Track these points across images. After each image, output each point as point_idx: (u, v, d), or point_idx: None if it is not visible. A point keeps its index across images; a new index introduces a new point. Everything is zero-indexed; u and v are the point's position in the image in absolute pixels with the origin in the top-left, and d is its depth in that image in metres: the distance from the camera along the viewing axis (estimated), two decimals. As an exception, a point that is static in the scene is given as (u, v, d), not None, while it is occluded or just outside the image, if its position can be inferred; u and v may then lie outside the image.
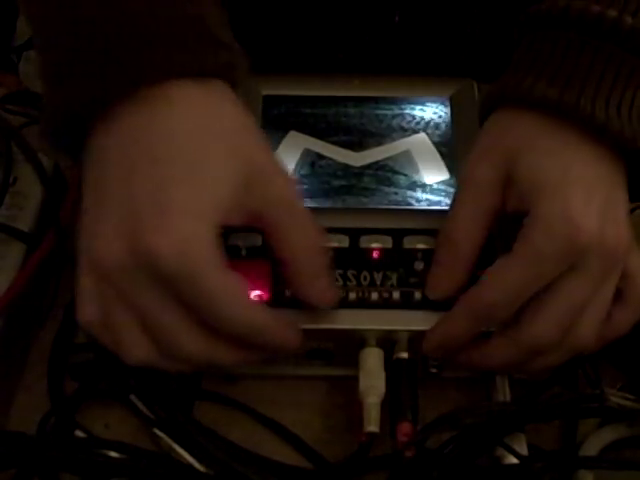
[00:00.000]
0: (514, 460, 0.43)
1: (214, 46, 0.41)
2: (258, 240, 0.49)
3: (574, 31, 0.43)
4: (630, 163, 0.43)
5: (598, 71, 0.42)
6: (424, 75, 0.59)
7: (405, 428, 0.44)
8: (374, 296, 0.47)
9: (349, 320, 0.46)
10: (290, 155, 0.54)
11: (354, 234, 0.49)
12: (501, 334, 0.43)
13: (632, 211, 0.52)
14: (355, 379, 0.45)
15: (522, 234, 0.41)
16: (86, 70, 0.39)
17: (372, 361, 0.46)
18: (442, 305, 0.46)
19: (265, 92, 0.58)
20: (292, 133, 0.55)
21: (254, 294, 0.46)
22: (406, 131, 0.56)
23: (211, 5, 0.42)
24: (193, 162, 0.39)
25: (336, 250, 0.48)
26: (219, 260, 0.39)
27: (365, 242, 0.49)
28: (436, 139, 0.55)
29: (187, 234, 0.38)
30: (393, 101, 0.57)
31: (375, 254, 0.48)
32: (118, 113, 0.39)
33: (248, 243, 0.48)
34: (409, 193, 0.52)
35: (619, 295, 0.44)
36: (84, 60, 0.39)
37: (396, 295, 0.47)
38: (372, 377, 0.45)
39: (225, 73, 0.41)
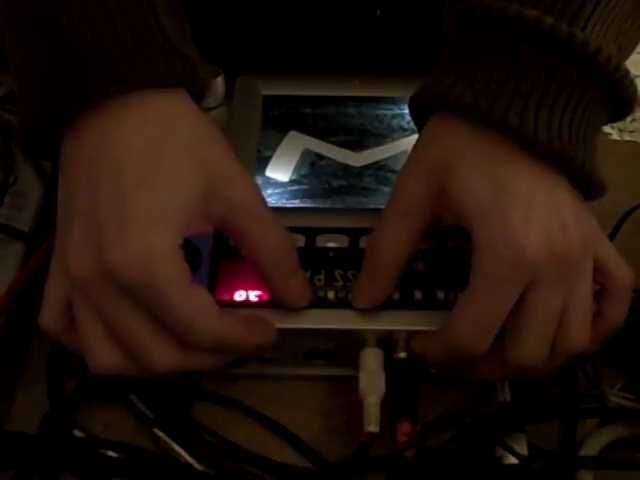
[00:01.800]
0: (514, 460, 0.43)
1: (174, 57, 0.41)
2: (258, 240, 0.49)
3: (495, 31, 0.41)
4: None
5: (517, 74, 0.40)
6: (424, 75, 0.59)
7: (405, 428, 0.44)
8: (374, 296, 0.47)
9: (349, 320, 0.46)
10: (290, 155, 0.54)
11: (354, 234, 0.49)
12: (488, 357, 0.42)
13: (632, 211, 0.52)
14: (355, 379, 0.45)
15: (472, 263, 0.41)
16: (49, 82, 0.40)
17: (372, 361, 0.46)
18: (442, 305, 0.46)
19: (265, 92, 0.58)
20: (292, 133, 0.55)
21: (254, 294, 0.46)
22: (406, 131, 0.56)
23: (172, 17, 0.42)
24: (152, 170, 0.39)
25: (336, 250, 0.48)
26: (181, 272, 0.39)
27: (364, 242, 0.48)
28: (436, 139, 0.55)
29: (146, 247, 0.38)
30: (393, 101, 0.57)
31: (375, 254, 0.48)
32: (82, 125, 0.40)
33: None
34: (409, 193, 0.52)
35: (602, 290, 0.44)
36: (47, 72, 0.40)
37: (396, 295, 0.47)
38: (372, 377, 0.45)
39: (186, 84, 0.42)
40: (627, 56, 0.44)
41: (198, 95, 0.43)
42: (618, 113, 0.43)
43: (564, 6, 0.40)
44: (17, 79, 0.42)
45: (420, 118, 0.45)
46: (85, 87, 0.39)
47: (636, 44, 0.44)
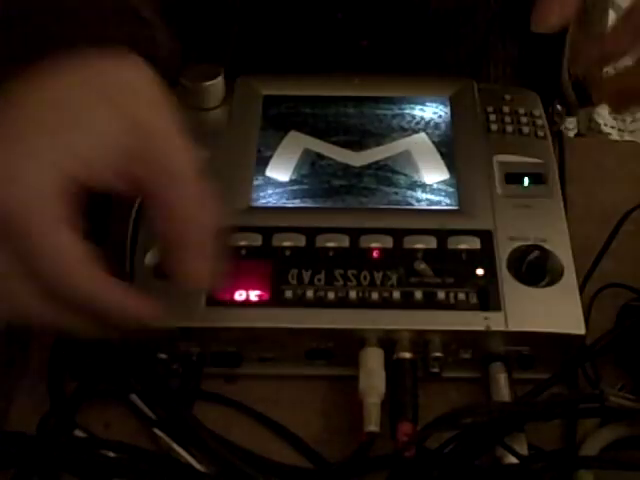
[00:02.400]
0: (514, 460, 0.43)
1: (132, 19, 0.40)
2: (258, 240, 0.49)
3: None
4: None
5: None
6: (424, 75, 0.59)
7: (405, 428, 0.44)
8: (374, 296, 0.47)
9: (349, 320, 0.46)
10: (290, 155, 0.54)
11: (354, 234, 0.49)
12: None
13: (632, 211, 0.52)
14: (355, 379, 0.45)
15: None
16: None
17: (372, 361, 0.46)
18: (442, 305, 0.46)
19: (265, 92, 0.58)
20: (292, 133, 0.55)
21: (254, 294, 0.46)
22: (406, 131, 0.56)
23: None
24: (69, 113, 0.37)
25: (336, 250, 0.48)
26: (59, 219, 0.36)
27: (365, 242, 0.49)
28: (436, 139, 0.55)
29: (34, 182, 0.35)
30: (393, 101, 0.57)
31: (375, 254, 0.48)
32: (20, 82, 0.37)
33: (248, 243, 0.49)
34: (409, 193, 0.52)
35: None
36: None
37: (396, 295, 0.47)
38: (372, 377, 0.45)
39: (142, 46, 0.40)
40: None
41: (153, 59, 0.40)
42: None
43: None
44: None
45: None
46: (37, 41, 0.38)
47: None
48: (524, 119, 0.56)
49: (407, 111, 0.57)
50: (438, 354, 0.46)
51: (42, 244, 0.36)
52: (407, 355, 0.46)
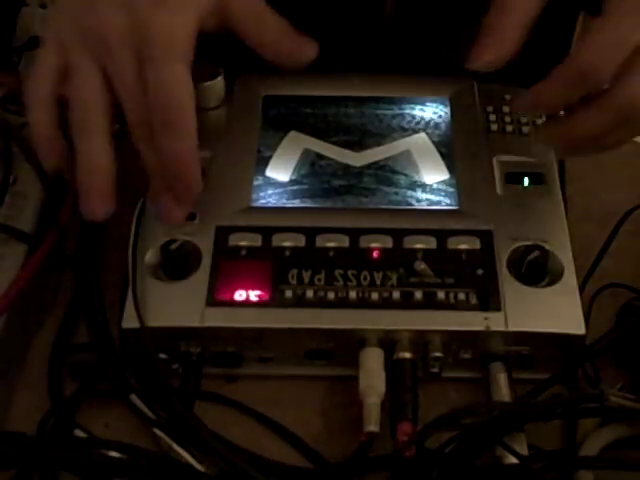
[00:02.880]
0: (514, 460, 0.43)
1: None
2: (258, 240, 0.49)
3: None
4: None
5: None
6: (424, 75, 0.59)
7: (405, 428, 0.44)
8: (374, 296, 0.47)
9: (349, 320, 0.46)
10: (290, 155, 0.54)
11: (354, 234, 0.49)
12: (598, 98, 0.42)
13: (632, 211, 0.52)
14: (355, 379, 0.46)
15: None
16: None
17: (372, 361, 0.46)
18: (442, 305, 0.46)
19: (265, 92, 0.58)
20: (292, 133, 0.55)
21: (254, 294, 0.46)
22: (406, 131, 0.56)
23: None
24: None
25: (336, 250, 0.48)
26: (191, 52, 0.43)
27: (365, 242, 0.49)
28: (436, 139, 0.55)
29: (174, 23, 0.42)
30: (393, 101, 0.57)
31: (375, 254, 0.48)
32: None
33: (248, 243, 0.49)
34: (409, 193, 0.52)
35: None
36: None
37: (396, 295, 0.47)
38: (372, 377, 0.45)
39: None
40: None
41: None
42: None
43: None
44: None
45: None
46: None
47: None
48: (524, 119, 0.56)
49: (407, 111, 0.57)
50: (438, 354, 0.46)
51: (171, 70, 0.42)
52: (407, 355, 0.46)
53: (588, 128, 0.43)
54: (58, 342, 0.50)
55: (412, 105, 0.57)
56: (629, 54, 0.40)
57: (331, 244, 0.48)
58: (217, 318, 0.46)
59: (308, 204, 0.52)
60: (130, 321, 0.46)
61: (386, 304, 0.46)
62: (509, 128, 0.55)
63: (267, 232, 0.49)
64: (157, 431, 0.45)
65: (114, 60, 0.43)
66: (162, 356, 0.48)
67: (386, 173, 0.53)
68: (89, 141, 0.44)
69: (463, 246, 0.48)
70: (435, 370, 0.47)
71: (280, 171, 0.53)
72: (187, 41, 0.43)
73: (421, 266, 0.47)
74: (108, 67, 0.43)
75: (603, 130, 0.43)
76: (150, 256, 0.49)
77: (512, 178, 0.52)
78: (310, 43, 0.46)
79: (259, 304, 0.46)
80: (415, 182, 0.53)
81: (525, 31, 0.42)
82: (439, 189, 0.52)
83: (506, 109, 0.56)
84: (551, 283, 0.48)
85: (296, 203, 0.52)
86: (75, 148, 0.44)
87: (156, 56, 0.42)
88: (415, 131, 0.56)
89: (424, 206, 0.51)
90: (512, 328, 0.46)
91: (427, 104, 0.57)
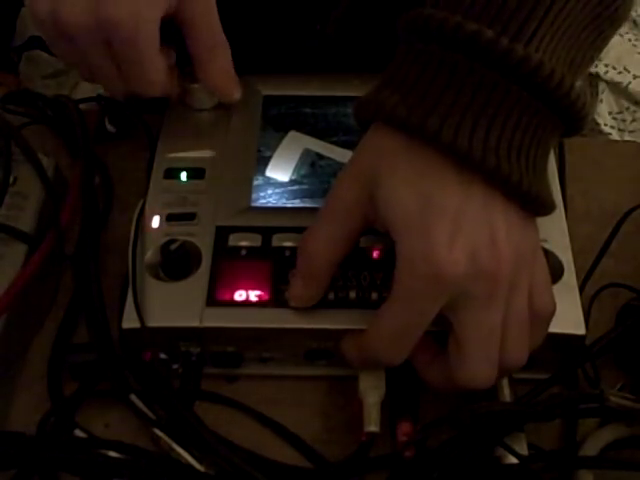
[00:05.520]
0: (514, 460, 0.43)
1: None
2: (258, 240, 0.49)
3: (435, 44, 0.40)
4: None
5: (454, 90, 0.39)
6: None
7: (405, 428, 0.44)
8: (374, 296, 0.47)
9: (349, 320, 0.46)
10: (290, 155, 0.54)
11: (354, 234, 0.49)
12: (435, 374, 0.44)
13: (632, 211, 0.52)
14: (355, 379, 0.46)
15: (394, 274, 0.41)
16: None
17: (372, 361, 0.46)
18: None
19: (265, 92, 0.58)
20: (292, 133, 0.55)
21: (254, 294, 0.46)
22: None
23: None
24: None
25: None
26: (157, 39, 0.47)
27: (365, 242, 0.48)
28: (436, 139, 0.55)
29: (137, 11, 0.45)
30: (393, 101, 0.57)
31: (375, 254, 0.48)
32: None
33: (248, 243, 0.49)
34: (409, 193, 0.52)
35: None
36: None
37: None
38: (372, 377, 0.45)
39: None
40: (583, 70, 0.42)
41: None
42: (571, 127, 0.42)
43: (508, 19, 0.39)
44: None
45: (363, 124, 0.44)
46: None
47: (593, 57, 0.43)
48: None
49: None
50: (438, 354, 0.46)
51: (146, 56, 0.47)
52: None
53: (441, 389, 0.45)
54: (58, 342, 0.50)
55: (412, 105, 0.57)
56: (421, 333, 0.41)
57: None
58: (217, 318, 0.46)
59: (308, 204, 0.52)
60: (130, 321, 0.46)
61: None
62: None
63: (267, 232, 0.49)
64: (157, 431, 0.45)
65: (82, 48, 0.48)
66: (162, 356, 0.48)
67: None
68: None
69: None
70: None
71: (280, 171, 0.53)
72: (151, 27, 0.47)
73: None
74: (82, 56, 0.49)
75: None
76: (150, 256, 0.49)
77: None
78: (238, 89, 0.54)
79: (259, 304, 0.46)
80: (415, 182, 0.53)
81: (331, 273, 0.45)
82: (439, 189, 0.52)
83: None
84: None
85: (296, 203, 0.52)
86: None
87: (128, 42, 0.46)
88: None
89: (424, 206, 0.51)
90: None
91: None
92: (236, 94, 0.54)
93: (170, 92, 0.52)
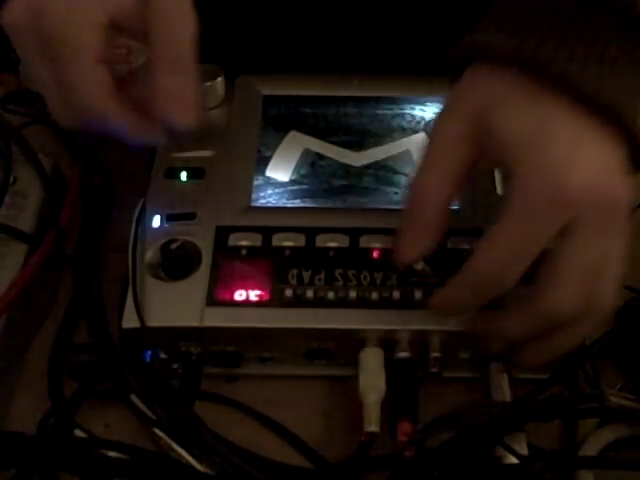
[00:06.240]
0: (514, 460, 0.43)
1: None
2: (258, 240, 0.49)
3: None
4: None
5: (562, 21, 0.39)
6: (424, 75, 0.59)
7: (405, 428, 0.44)
8: (374, 296, 0.47)
9: (349, 320, 0.46)
10: (290, 155, 0.54)
11: (354, 234, 0.49)
12: (516, 306, 0.41)
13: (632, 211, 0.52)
14: (355, 379, 0.45)
15: (506, 196, 0.39)
16: None
17: (372, 361, 0.46)
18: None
19: (265, 92, 0.58)
20: (292, 133, 0.55)
21: (254, 294, 0.46)
22: (406, 131, 0.56)
23: None
24: None
25: (336, 250, 0.48)
26: (94, 47, 0.42)
27: (365, 242, 0.49)
28: (436, 139, 0.55)
29: (72, 13, 0.41)
30: (393, 101, 0.57)
31: (375, 254, 0.48)
32: None
33: (248, 243, 0.49)
34: (409, 193, 0.52)
35: None
36: None
37: (396, 295, 0.47)
38: (372, 377, 0.45)
39: None
40: None
41: None
42: None
43: None
44: None
45: (457, 69, 0.43)
46: None
47: None
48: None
49: (407, 111, 0.57)
50: (438, 354, 0.46)
51: (77, 67, 0.42)
52: (407, 355, 0.46)
53: (517, 331, 0.43)
54: (58, 342, 0.50)
55: (412, 105, 0.57)
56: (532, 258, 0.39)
57: (331, 244, 0.48)
58: (217, 318, 0.46)
59: (308, 204, 0.52)
60: (130, 321, 0.46)
61: (386, 304, 0.46)
62: (509, 128, 0.55)
63: (267, 232, 0.49)
64: (157, 431, 0.45)
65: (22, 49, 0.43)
66: (162, 356, 0.48)
67: (386, 173, 0.53)
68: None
69: (463, 246, 0.48)
70: (435, 370, 0.47)
71: (280, 171, 0.53)
72: (86, 32, 0.42)
73: (421, 266, 0.47)
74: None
75: (534, 333, 0.42)
76: (150, 256, 0.49)
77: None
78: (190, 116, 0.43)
79: (259, 304, 0.46)
80: (415, 182, 0.53)
81: (446, 219, 0.42)
82: (439, 189, 0.52)
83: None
84: (551, 283, 0.47)
85: (296, 203, 0.52)
86: None
87: (60, 45, 0.41)
88: (415, 131, 0.56)
89: (424, 206, 0.51)
90: (512, 328, 0.46)
91: (427, 104, 0.57)
92: (185, 121, 0.43)
93: (120, 122, 0.43)
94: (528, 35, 0.39)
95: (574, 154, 0.38)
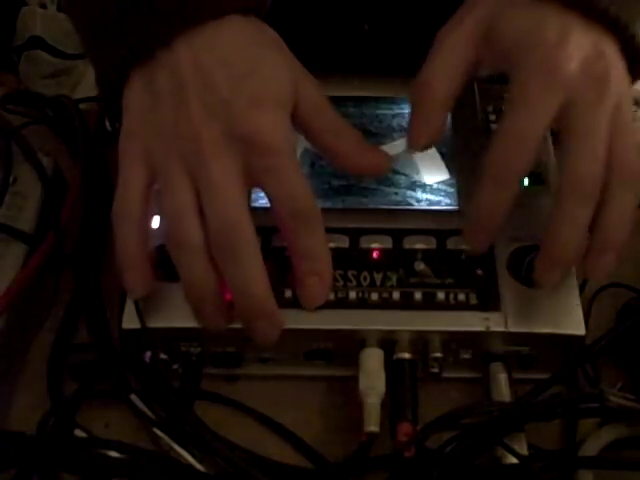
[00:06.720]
0: (514, 460, 0.43)
1: None
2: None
3: None
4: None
5: None
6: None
7: (405, 428, 0.44)
8: (374, 296, 0.47)
9: (349, 320, 0.46)
10: (290, 155, 0.54)
11: (354, 234, 0.49)
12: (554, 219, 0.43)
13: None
14: (355, 379, 0.45)
15: (510, 85, 0.43)
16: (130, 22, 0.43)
17: (372, 361, 0.46)
18: (442, 305, 0.46)
19: (265, 92, 0.57)
20: (292, 133, 0.55)
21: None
22: (406, 131, 0.55)
23: None
24: (258, 61, 0.44)
25: (336, 250, 0.48)
26: (289, 144, 0.44)
27: (365, 242, 0.49)
28: (436, 139, 0.55)
29: (274, 119, 0.43)
30: (393, 101, 0.57)
31: (375, 254, 0.48)
32: (164, 56, 0.43)
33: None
34: (409, 193, 0.52)
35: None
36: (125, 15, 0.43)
37: (396, 295, 0.47)
38: (372, 377, 0.45)
39: (257, 6, 0.46)
40: None
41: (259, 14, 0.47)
42: None
43: None
44: (89, 28, 0.45)
45: None
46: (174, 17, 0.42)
47: None
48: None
49: (407, 111, 0.57)
50: (438, 354, 0.46)
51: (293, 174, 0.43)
52: (407, 355, 0.46)
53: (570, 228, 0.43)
54: (58, 342, 0.50)
55: (412, 105, 0.57)
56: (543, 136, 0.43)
57: (331, 244, 0.48)
58: (217, 318, 0.46)
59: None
60: (130, 321, 0.46)
61: (386, 304, 0.46)
62: (509, 128, 0.55)
63: (267, 232, 0.49)
64: (157, 431, 0.45)
65: (208, 173, 0.42)
66: (162, 356, 0.48)
67: (386, 173, 0.53)
68: (188, 256, 0.43)
69: (463, 246, 0.48)
70: (435, 370, 0.47)
71: (280, 171, 0.53)
72: (291, 140, 0.43)
73: (421, 266, 0.47)
74: (200, 180, 0.42)
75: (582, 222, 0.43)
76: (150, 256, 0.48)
77: (512, 178, 0.52)
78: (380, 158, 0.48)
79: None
80: (415, 182, 0.53)
81: (449, 106, 0.45)
82: (439, 189, 0.52)
83: (506, 109, 0.56)
84: (551, 283, 0.47)
85: (296, 203, 0.52)
86: (175, 264, 0.43)
87: (270, 165, 0.42)
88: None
89: (424, 206, 0.52)
90: (512, 328, 0.46)
91: (427, 104, 0.57)
92: (384, 164, 0.48)
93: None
94: None
95: (566, 36, 0.42)
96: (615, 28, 0.42)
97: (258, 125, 0.42)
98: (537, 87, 0.42)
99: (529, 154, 0.43)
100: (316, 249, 0.44)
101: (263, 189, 0.44)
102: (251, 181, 0.43)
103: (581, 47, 0.42)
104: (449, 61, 0.45)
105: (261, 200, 0.52)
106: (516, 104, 0.43)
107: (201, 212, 0.42)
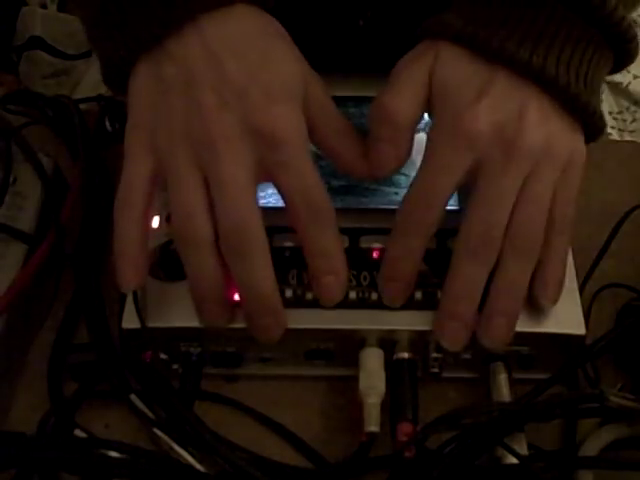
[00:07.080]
0: (514, 460, 0.43)
1: None
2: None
3: None
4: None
5: (517, 15, 0.42)
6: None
7: (405, 428, 0.44)
8: (374, 296, 0.47)
9: (349, 320, 0.46)
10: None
11: (354, 234, 0.49)
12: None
13: (632, 211, 0.52)
14: (355, 379, 0.46)
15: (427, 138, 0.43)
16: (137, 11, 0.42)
17: (372, 361, 0.46)
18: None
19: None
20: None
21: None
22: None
23: None
24: (269, 52, 0.43)
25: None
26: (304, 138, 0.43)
27: (365, 242, 0.49)
28: (436, 139, 0.55)
29: (287, 113, 0.42)
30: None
31: (375, 254, 0.48)
32: (173, 44, 0.42)
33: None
34: (409, 193, 0.52)
35: None
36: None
37: (396, 295, 0.47)
38: (372, 377, 0.45)
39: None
40: (632, 9, 0.45)
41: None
42: (620, 60, 0.44)
43: None
44: (94, 15, 0.44)
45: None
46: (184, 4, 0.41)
47: None
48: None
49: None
50: (438, 354, 0.46)
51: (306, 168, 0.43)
52: (407, 355, 0.46)
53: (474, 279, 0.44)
54: (58, 342, 0.50)
55: (412, 105, 0.57)
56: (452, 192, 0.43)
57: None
58: (217, 318, 0.46)
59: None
60: (130, 321, 0.46)
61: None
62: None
63: (267, 232, 0.49)
64: (157, 431, 0.45)
65: (219, 168, 0.41)
66: (162, 356, 0.48)
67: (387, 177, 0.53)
68: (196, 254, 0.43)
69: None
70: (435, 370, 0.47)
71: (280, 171, 0.53)
72: (304, 133, 0.43)
73: (421, 266, 0.47)
74: (211, 175, 0.42)
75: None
76: (150, 256, 0.48)
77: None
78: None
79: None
80: (415, 182, 0.53)
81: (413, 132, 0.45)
82: (439, 189, 0.52)
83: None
84: (551, 283, 0.47)
85: (296, 203, 0.52)
86: (183, 260, 0.43)
87: (285, 159, 0.42)
88: (415, 131, 0.55)
89: (424, 206, 0.51)
90: (512, 328, 0.46)
91: (427, 104, 0.57)
92: (392, 164, 0.46)
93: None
94: (481, 25, 0.42)
95: (482, 96, 0.41)
96: (548, 84, 0.41)
97: (274, 117, 0.41)
98: (445, 146, 0.42)
99: (434, 211, 0.43)
100: (330, 246, 0.44)
101: (276, 184, 0.43)
102: (263, 176, 0.43)
103: (496, 107, 0.41)
104: (413, 89, 0.44)
105: (262, 200, 0.52)
106: (426, 159, 0.43)
107: (210, 206, 0.42)
